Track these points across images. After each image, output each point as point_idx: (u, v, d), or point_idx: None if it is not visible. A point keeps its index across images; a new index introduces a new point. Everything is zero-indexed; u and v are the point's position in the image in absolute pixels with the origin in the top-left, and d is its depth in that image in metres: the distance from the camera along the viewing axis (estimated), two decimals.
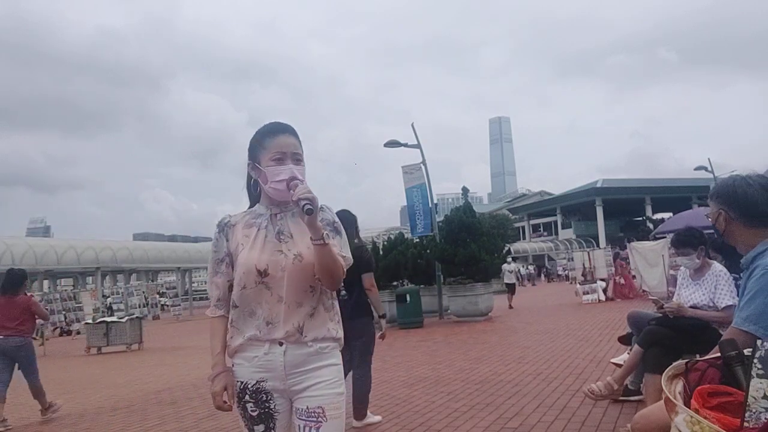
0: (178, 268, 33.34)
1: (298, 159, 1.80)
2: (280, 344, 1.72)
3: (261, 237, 1.78)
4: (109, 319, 14.11)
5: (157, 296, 28.06)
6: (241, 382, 1.75)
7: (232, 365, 1.79)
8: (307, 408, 1.72)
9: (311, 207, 1.62)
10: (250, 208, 1.90)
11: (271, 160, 1.76)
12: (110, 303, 23.59)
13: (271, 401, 1.74)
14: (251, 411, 1.74)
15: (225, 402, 1.76)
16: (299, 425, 1.73)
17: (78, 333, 19.16)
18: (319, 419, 1.71)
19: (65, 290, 28.67)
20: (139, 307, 23.77)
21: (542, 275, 44.55)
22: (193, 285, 36.49)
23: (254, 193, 1.90)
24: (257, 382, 1.74)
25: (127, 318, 13.99)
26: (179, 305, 27.39)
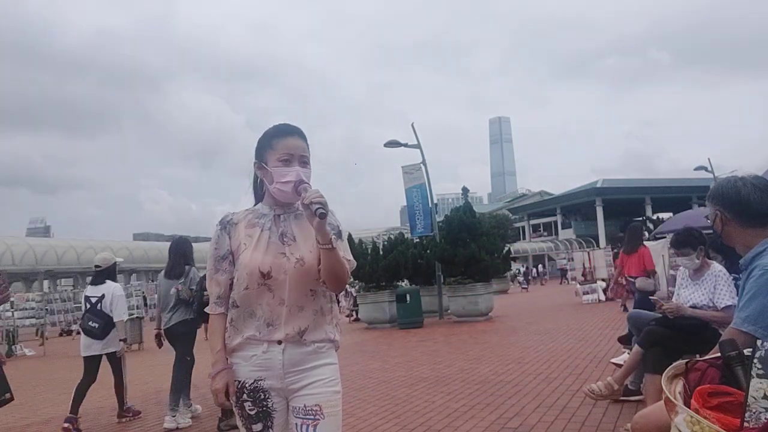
0: None
1: (305, 162, 1.81)
2: (279, 343, 1.73)
3: (264, 238, 1.78)
4: None
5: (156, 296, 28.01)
6: (239, 381, 1.75)
7: (232, 365, 1.79)
8: (305, 406, 1.73)
9: (324, 211, 1.64)
10: (254, 204, 1.91)
11: (279, 161, 1.78)
12: None
13: (269, 399, 1.75)
14: (249, 410, 1.75)
15: (227, 399, 1.76)
16: (296, 423, 1.74)
17: (78, 333, 19.13)
18: (317, 417, 1.72)
19: (65, 290, 28.64)
20: (138, 308, 23.71)
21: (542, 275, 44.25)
22: None
23: (259, 192, 1.90)
24: (255, 380, 1.74)
25: (127, 318, 14.00)
26: None
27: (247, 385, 1.75)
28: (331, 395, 1.76)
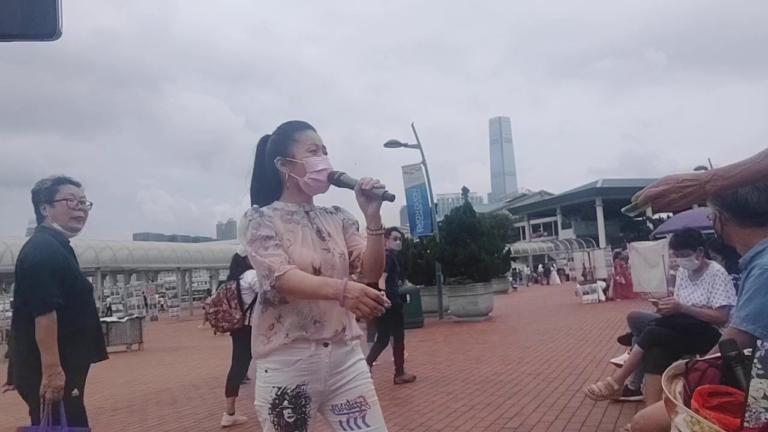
0: (178, 268, 33.29)
1: (326, 152, 1.80)
2: (325, 345, 1.70)
3: (307, 234, 1.74)
4: (109, 319, 14.09)
5: (156, 296, 28.02)
6: (279, 388, 1.66)
7: (265, 370, 1.70)
8: (347, 401, 1.72)
9: (392, 193, 1.66)
10: (260, 206, 1.78)
11: (308, 152, 1.75)
12: (109, 303, 23.54)
13: (308, 405, 1.69)
14: (288, 417, 1.66)
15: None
16: (340, 420, 1.71)
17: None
18: (363, 408, 1.72)
19: None
20: (138, 307, 23.73)
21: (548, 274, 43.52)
22: (193, 285, 36.44)
23: (271, 190, 1.81)
24: (297, 386, 1.67)
25: (127, 318, 13.99)
26: (177, 306, 27.34)
27: (288, 391, 1.67)
28: (369, 385, 1.77)
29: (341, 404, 1.72)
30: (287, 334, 1.67)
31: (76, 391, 2.50)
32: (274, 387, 1.67)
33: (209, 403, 5.94)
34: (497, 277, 17.52)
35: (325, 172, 1.74)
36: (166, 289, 31.54)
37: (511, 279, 33.09)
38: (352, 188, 1.73)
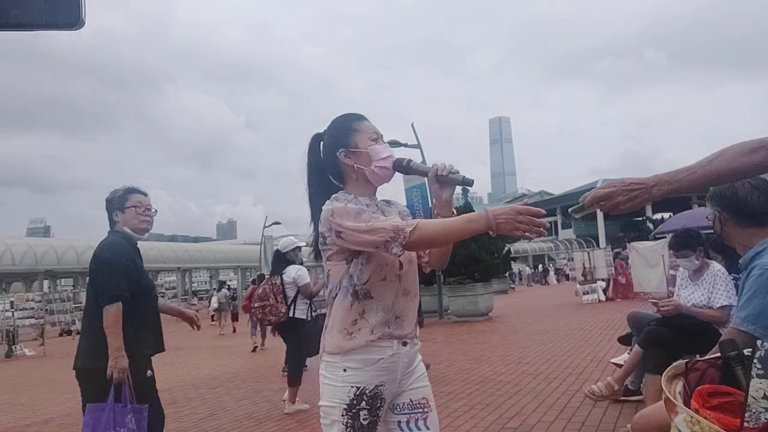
0: (178, 268, 33.31)
1: (384, 141, 1.78)
2: (404, 344, 1.67)
3: None
4: None
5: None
6: (358, 388, 1.60)
7: (344, 369, 1.61)
8: (411, 401, 1.69)
9: (471, 178, 1.64)
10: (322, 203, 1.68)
11: (370, 140, 1.71)
12: None
13: (383, 407, 1.64)
14: (363, 419, 1.59)
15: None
16: (400, 421, 1.67)
17: (78, 333, 19.12)
18: (425, 410, 1.69)
19: (65, 290, 28.64)
20: None
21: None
22: (193, 285, 36.43)
23: (334, 185, 1.75)
24: (376, 386, 1.61)
25: None
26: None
27: (367, 392, 1.60)
28: (430, 389, 1.75)
29: (403, 404, 1.68)
30: (372, 331, 1.62)
31: (150, 372, 2.78)
32: (352, 387, 1.60)
33: (209, 403, 5.94)
34: (497, 277, 17.53)
35: (391, 159, 1.70)
36: (166, 289, 31.48)
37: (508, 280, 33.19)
38: (423, 175, 1.70)
